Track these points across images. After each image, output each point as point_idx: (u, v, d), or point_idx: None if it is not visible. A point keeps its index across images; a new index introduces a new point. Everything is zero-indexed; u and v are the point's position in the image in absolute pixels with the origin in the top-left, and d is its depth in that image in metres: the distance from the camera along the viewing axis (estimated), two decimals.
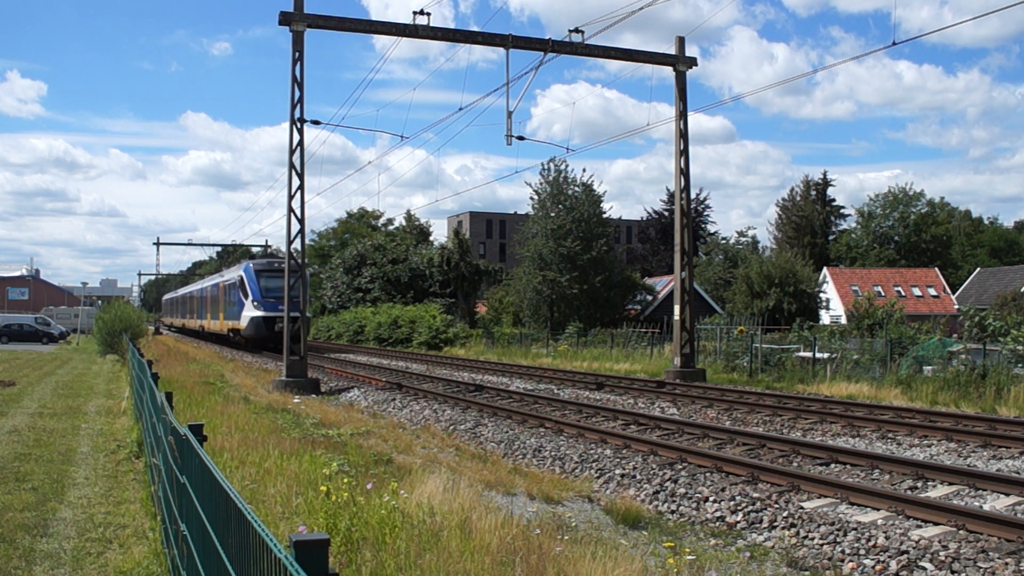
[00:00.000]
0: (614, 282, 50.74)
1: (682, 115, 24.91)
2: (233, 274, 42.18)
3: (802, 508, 8.64)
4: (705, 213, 78.85)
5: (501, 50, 23.47)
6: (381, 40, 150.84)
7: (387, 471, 9.93)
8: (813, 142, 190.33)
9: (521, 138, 24.19)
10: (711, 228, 79.24)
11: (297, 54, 22.15)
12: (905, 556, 7.02)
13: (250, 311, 37.93)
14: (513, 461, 12.10)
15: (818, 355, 24.76)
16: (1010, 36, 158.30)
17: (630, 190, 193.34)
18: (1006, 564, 6.70)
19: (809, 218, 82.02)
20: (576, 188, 51.10)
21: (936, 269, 72.02)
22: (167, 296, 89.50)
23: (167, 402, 6.47)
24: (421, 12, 22.12)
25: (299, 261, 23.33)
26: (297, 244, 23.36)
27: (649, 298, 54.77)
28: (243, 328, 38.76)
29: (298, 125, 22.35)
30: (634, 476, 10.51)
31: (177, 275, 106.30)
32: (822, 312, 53.82)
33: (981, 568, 6.67)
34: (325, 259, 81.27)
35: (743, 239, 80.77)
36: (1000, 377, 19.00)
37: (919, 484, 9.87)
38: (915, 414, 15.85)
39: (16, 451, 11.83)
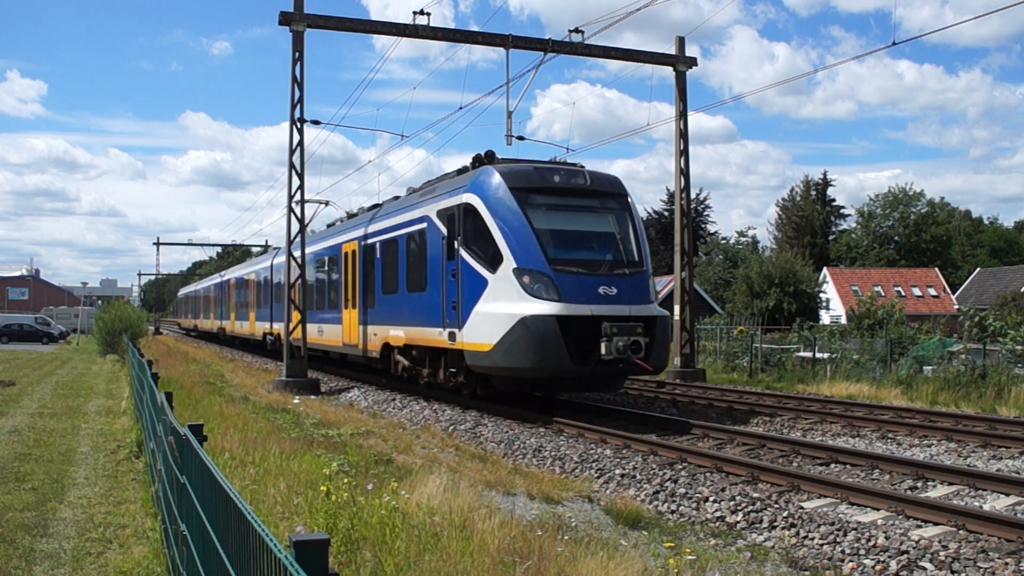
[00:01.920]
0: None
1: (682, 115, 24.91)
2: (440, 204, 16.93)
3: (802, 508, 8.64)
4: (705, 213, 78.85)
5: (501, 50, 23.48)
6: (381, 40, 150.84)
7: (387, 471, 9.93)
8: (814, 142, 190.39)
9: (521, 138, 24.23)
10: (711, 228, 79.28)
11: (297, 54, 22.16)
12: (905, 556, 7.02)
13: (521, 302, 14.37)
14: (513, 461, 12.09)
15: (818, 355, 24.76)
16: (1011, 36, 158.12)
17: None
18: (1006, 564, 6.70)
19: (809, 218, 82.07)
20: None
21: (936, 269, 72.07)
22: (190, 288, 67.61)
23: (167, 402, 6.47)
24: (421, 12, 22.13)
25: (300, 264, 23.22)
26: (297, 244, 23.28)
27: None
28: (492, 343, 14.49)
29: (298, 125, 22.34)
30: (634, 476, 10.51)
31: (177, 275, 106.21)
32: (822, 312, 53.85)
33: (981, 568, 6.67)
34: None
35: (743, 239, 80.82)
36: (1000, 377, 19.02)
37: (919, 484, 9.87)
38: (915, 414, 15.85)
39: (16, 451, 11.83)
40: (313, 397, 20.55)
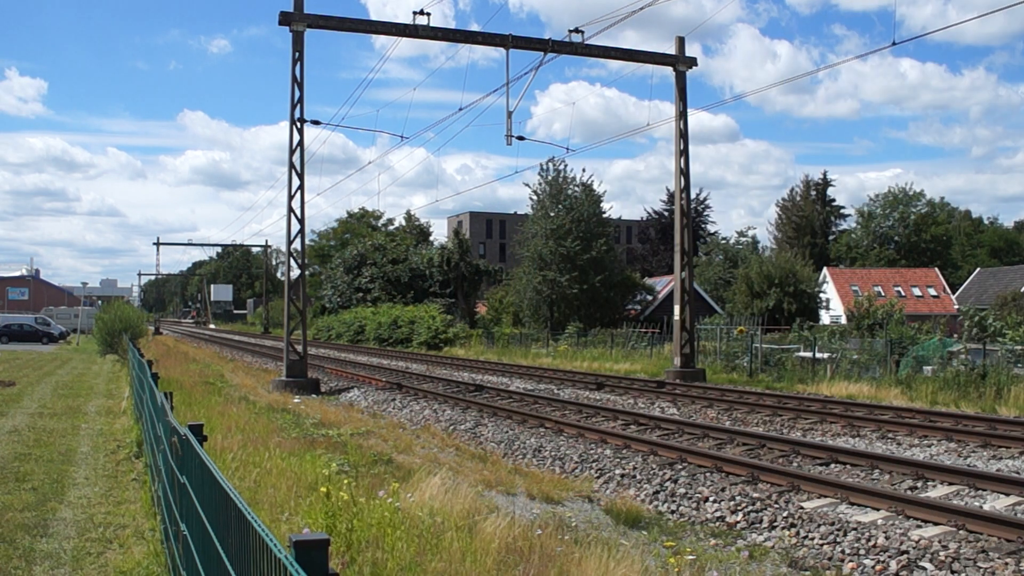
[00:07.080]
0: (614, 282, 50.71)
1: (682, 115, 24.90)
2: None
3: (802, 508, 8.64)
4: (705, 213, 78.89)
5: (502, 49, 23.48)
6: (381, 40, 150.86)
7: (387, 471, 9.93)
8: (816, 141, 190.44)
9: (521, 138, 24.19)
10: (711, 228, 79.33)
11: (297, 54, 22.16)
12: (905, 556, 7.02)
13: None
14: (513, 461, 12.09)
15: (818, 355, 24.75)
16: (1015, 34, 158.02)
17: (630, 190, 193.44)
18: (1006, 564, 6.70)
19: (809, 218, 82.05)
20: (576, 188, 51.10)
21: (936, 269, 71.98)
22: None
23: (167, 402, 6.47)
24: (421, 12, 22.13)
25: (300, 262, 23.22)
26: (297, 244, 23.28)
27: (649, 298, 54.75)
28: None
29: (298, 125, 22.35)
30: (634, 476, 10.50)
31: (177, 275, 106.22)
32: (822, 312, 53.78)
33: (981, 568, 6.67)
34: (325, 259, 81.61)
35: (743, 239, 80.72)
36: (1000, 377, 19.00)
37: (919, 484, 9.87)
38: (915, 414, 15.84)
39: (16, 451, 11.83)
40: (313, 397, 20.55)
